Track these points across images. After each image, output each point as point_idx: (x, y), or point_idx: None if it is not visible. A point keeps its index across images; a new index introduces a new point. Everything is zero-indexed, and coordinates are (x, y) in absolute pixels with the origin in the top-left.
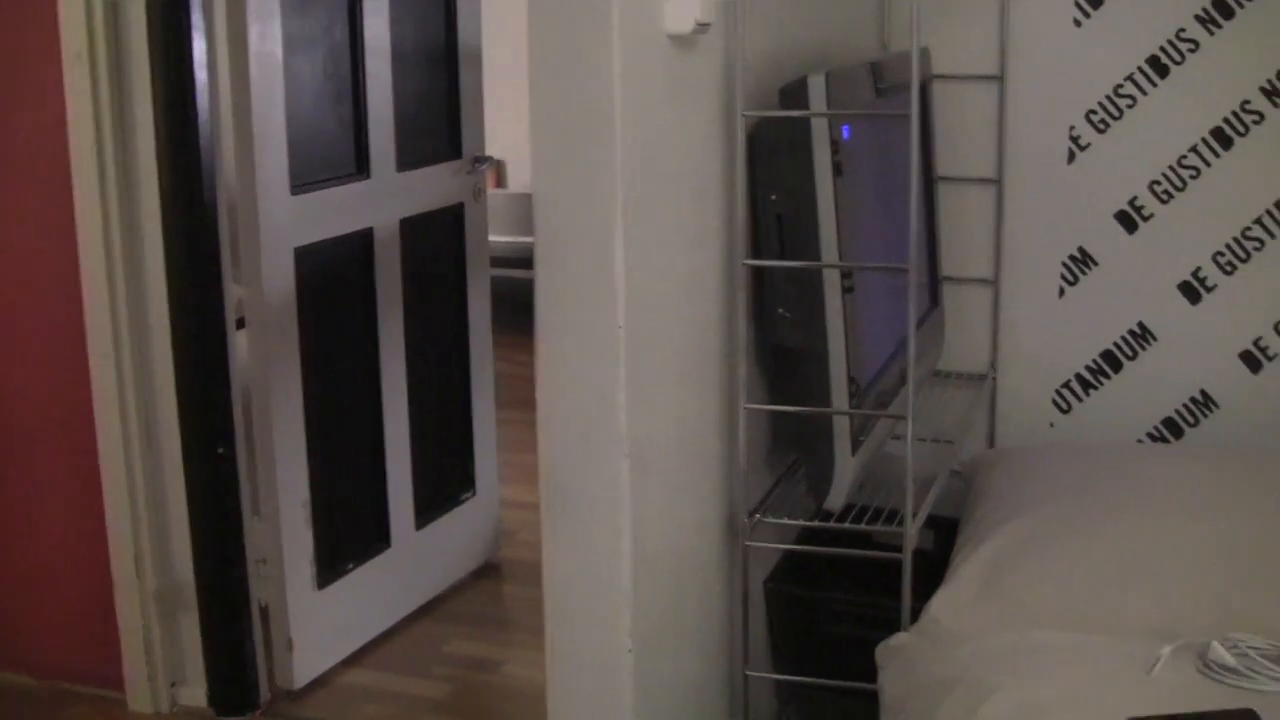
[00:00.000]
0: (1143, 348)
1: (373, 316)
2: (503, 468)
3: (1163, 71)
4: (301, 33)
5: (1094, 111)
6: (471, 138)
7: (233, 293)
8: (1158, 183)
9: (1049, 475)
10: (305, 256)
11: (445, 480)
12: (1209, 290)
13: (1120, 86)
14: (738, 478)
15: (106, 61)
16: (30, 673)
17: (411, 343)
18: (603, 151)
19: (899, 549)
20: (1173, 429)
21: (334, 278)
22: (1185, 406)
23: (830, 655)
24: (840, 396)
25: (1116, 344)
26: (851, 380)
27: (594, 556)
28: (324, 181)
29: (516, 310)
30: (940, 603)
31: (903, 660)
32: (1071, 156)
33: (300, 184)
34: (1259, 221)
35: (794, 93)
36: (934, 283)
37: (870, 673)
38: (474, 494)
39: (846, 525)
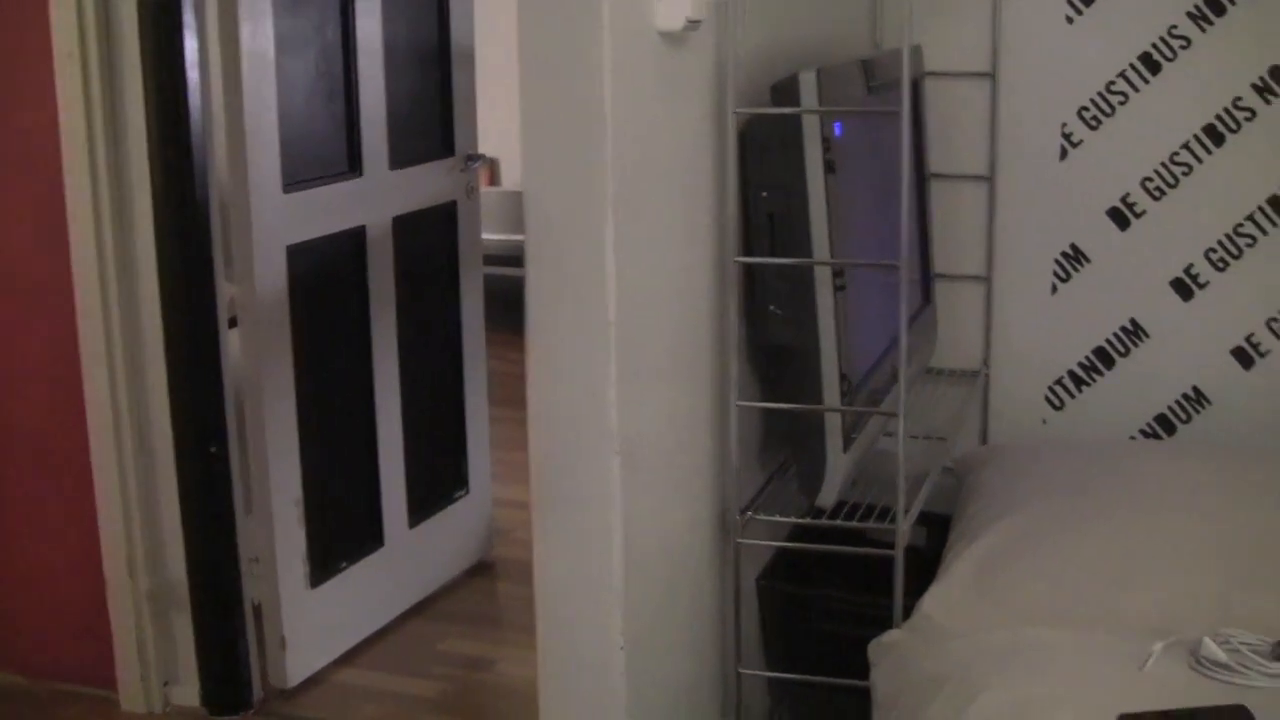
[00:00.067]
0: (1135, 344)
1: (365, 315)
2: (496, 466)
3: (1155, 68)
4: (293, 31)
5: (1086, 108)
6: (464, 136)
7: (225, 291)
8: (1150, 179)
9: (1041, 472)
10: (298, 255)
11: (438, 479)
12: (1201, 287)
13: (1112, 83)
14: (729, 475)
15: (98, 61)
16: (23, 673)
17: (404, 341)
18: (593, 148)
19: (891, 546)
20: (1165, 425)
21: (327, 276)
22: (1178, 403)
23: (823, 652)
24: (832, 394)
25: (1109, 341)
26: (843, 377)
27: (585, 554)
28: (316, 180)
29: (510, 308)
30: (932, 600)
31: (894, 657)
32: (1064, 153)
33: (292, 182)
34: (1251, 218)
35: (785, 89)
36: (926, 280)
37: (863, 670)
38: (467, 492)
39: (838, 522)
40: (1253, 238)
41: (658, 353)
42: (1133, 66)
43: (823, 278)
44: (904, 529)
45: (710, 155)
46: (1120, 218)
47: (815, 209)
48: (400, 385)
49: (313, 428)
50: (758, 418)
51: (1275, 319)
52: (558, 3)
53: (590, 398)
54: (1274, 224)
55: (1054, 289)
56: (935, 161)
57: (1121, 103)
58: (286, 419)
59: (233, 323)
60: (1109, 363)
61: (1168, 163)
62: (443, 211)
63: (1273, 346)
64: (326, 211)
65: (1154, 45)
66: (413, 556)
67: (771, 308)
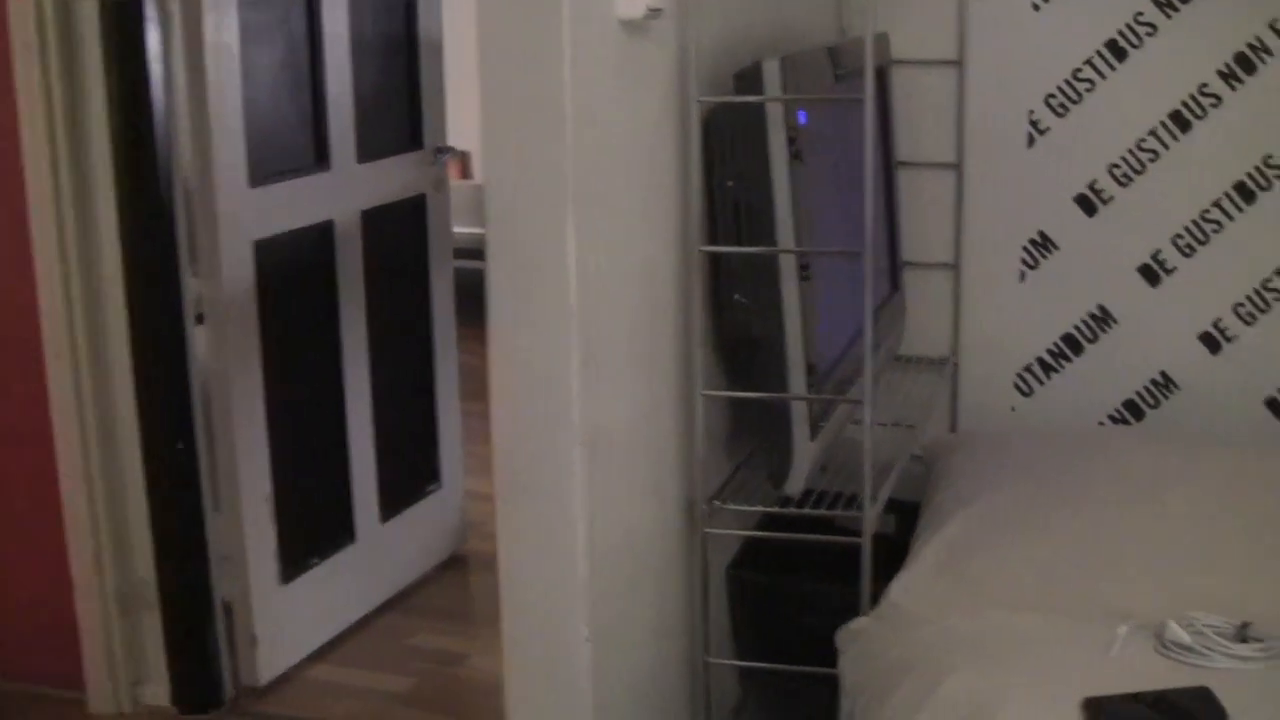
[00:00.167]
0: (1103, 330)
1: (334, 309)
2: (468, 460)
3: (1121, 55)
4: (258, 23)
5: (1053, 95)
6: (433, 128)
7: (191, 287)
8: (1117, 166)
9: (1009, 459)
10: (265, 249)
11: (410, 473)
12: (1168, 273)
13: (1079, 70)
14: (695, 464)
15: (57, 53)
16: None
17: (374, 335)
18: (553, 139)
19: (860, 534)
20: (1134, 411)
21: (295, 271)
22: (1146, 388)
23: (794, 641)
24: (798, 382)
25: (1077, 327)
26: (809, 366)
27: (549, 545)
28: (283, 173)
29: (481, 302)
30: (900, 587)
31: (862, 644)
32: (1031, 140)
33: (259, 176)
34: (1217, 204)
35: (749, 78)
36: (894, 268)
37: (833, 658)
38: (439, 486)
39: (805, 510)
40: (1219, 223)
41: (621, 343)
42: (1099, 54)
43: (787, 266)
44: (871, 517)
45: (674, 145)
46: (1088, 204)
47: (780, 198)
48: (370, 380)
49: (282, 423)
50: (724, 407)
51: (1242, 304)
52: None
53: (552, 389)
54: (1240, 210)
55: (1022, 276)
56: (903, 150)
57: (1088, 90)
58: (255, 415)
59: (200, 319)
60: (1077, 349)
61: (1135, 149)
62: (412, 205)
63: (1240, 332)
64: (294, 205)
65: (1120, 32)
66: (385, 551)
67: (737, 297)
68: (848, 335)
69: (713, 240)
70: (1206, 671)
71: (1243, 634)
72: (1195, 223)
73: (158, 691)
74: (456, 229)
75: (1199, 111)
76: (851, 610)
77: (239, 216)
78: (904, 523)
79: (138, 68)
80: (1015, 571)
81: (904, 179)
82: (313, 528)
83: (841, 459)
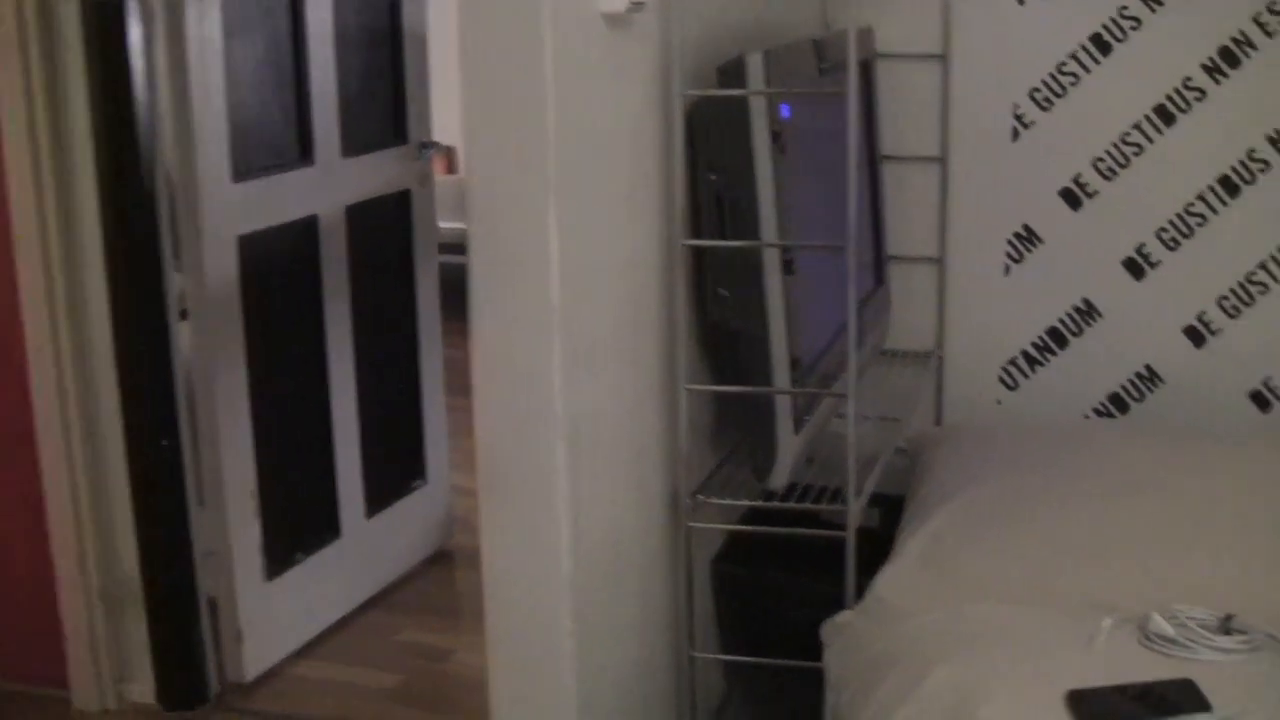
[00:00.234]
0: (1088, 324)
1: (319, 305)
2: (453, 455)
3: (1105, 49)
4: (241, 17)
5: (1038, 89)
6: (417, 123)
7: (175, 282)
8: (1101, 160)
9: (994, 452)
10: (249, 245)
11: (396, 468)
12: (1153, 266)
13: (1063, 64)
14: (679, 458)
15: (38, 47)
16: None
17: (359, 330)
18: (535, 133)
19: (844, 528)
20: (1118, 404)
21: (279, 266)
22: (1131, 382)
23: (779, 635)
24: (781, 376)
25: (1062, 320)
26: (793, 360)
27: (533, 540)
28: (267, 168)
29: (466, 296)
30: (884, 580)
31: (847, 638)
32: (1016, 134)
33: (243, 171)
34: (1201, 198)
35: (732, 71)
36: (879, 262)
37: (818, 652)
38: (425, 482)
39: (789, 504)
40: (1203, 217)
41: (604, 337)
42: (1084, 47)
43: (771, 260)
44: (855, 510)
45: (657, 138)
46: (1072, 198)
47: (763, 191)
48: (356, 375)
49: (267, 419)
50: (708, 401)
51: (1226, 297)
52: None
53: (535, 383)
54: (1224, 203)
55: (1007, 270)
56: (887, 143)
57: (1073, 83)
58: (239, 411)
59: (184, 314)
60: (1062, 342)
61: (1119, 143)
62: (396, 200)
63: (1224, 325)
64: (278, 201)
65: (1104, 26)
66: (370, 547)
67: (720, 291)
68: (832, 329)
69: (696, 234)
70: (1190, 663)
71: (1226, 626)
72: (1179, 216)
73: (143, 689)
74: (442, 224)
75: (1183, 105)
76: (836, 604)
77: (223, 211)
78: (889, 516)
79: (120, 62)
80: (1000, 565)
81: (889, 173)
82: (298, 523)
83: (826, 453)
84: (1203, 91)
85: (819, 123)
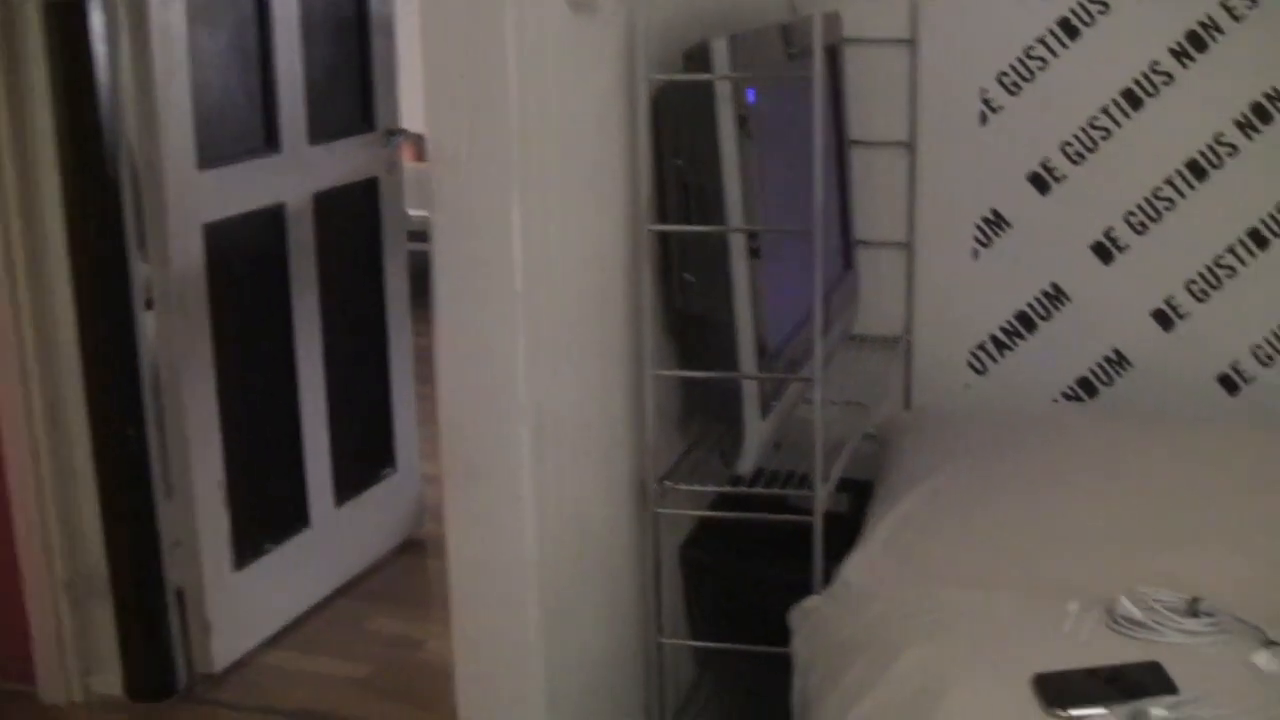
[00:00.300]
0: (1057, 308)
1: (286, 293)
2: (423, 443)
3: (1073, 33)
4: (206, 3)
5: (1005, 74)
6: (385, 110)
7: (140, 272)
8: (1069, 144)
9: (962, 436)
10: (215, 233)
11: (365, 457)
12: (1121, 250)
13: (1031, 48)
14: (646, 445)
15: None
16: None
17: (328, 319)
18: (498, 119)
19: (811, 513)
20: (1087, 388)
21: (246, 254)
22: (1099, 366)
23: (748, 620)
24: (748, 361)
25: (1030, 305)
26: (760, 344)
27: (498, 528)
28: (233, 156)
29: None
30: (852, 565)
31: (815, 623)
32: (984, 119)
33: (208, 159)
34: (1169, 181)
35: (697, 56)
36: (847, 247)
37: (788, 637)
38: (394, 470)
39: (756, 490)
40: (1171, 201)
41: (570, 323)
42: (1051, 32)
43: (737, 245)
44: (822, 495)
45: (623, 124)
46: (1040, 183)
47: (728, 176)
48: (324, 364)
49: (235, 408)
50: (675, 386)
51: (1194, 281)
52: None
53: (499, 369)
54: (1192, 187)
55: (975, 254)
56: (856, 128)
57: (1041, 68)
58: (206, 400)
59: (149, 304)
60: (1031, 327)
61: (1087, 127)
62: (364, 188)
63: (1192, 309)
64: (244, 188)
65: (1072, 10)
66: (340, 536)
67: (686, 276)
68: (800, 314)
69: (662, 219)
70: (1158, 646)
71: (1194, 609)
72: (1148, 200)
73: (110, 681)
74: (411, 212)
75: (1151, 90)
76: (805, 589)
77: (188, 200)
78: (858, 502)
79: (82, 49)
80: (968, 549)
81: (857, 158)
82: (266, 513)
83: (794, 438)
84: (1170, 76)
85: (786, 108)
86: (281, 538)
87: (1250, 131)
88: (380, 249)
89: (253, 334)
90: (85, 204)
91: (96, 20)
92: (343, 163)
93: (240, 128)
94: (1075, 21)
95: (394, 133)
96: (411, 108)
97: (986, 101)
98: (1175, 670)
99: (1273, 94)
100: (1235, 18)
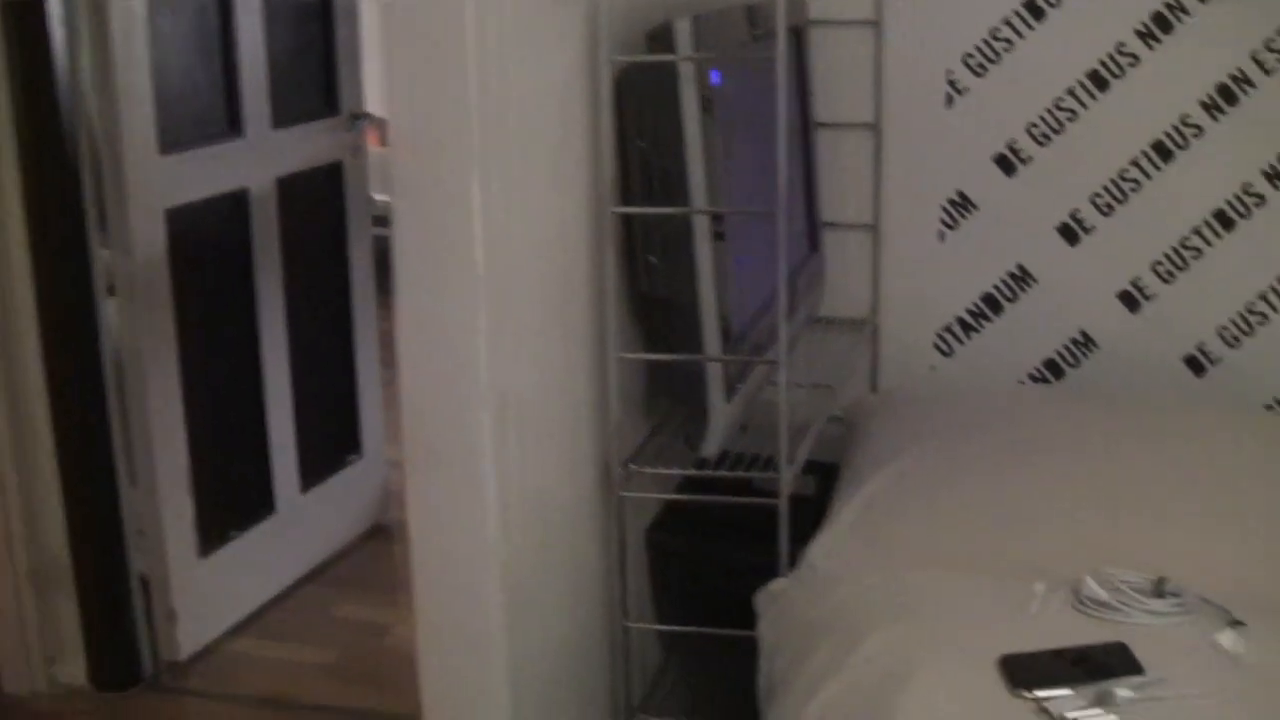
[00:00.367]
0: (1023, 290)
1: (250, 279)
2: (389, 429)
3: (1039, 14)
4: None
5: (971, 55)
6: (349, 94)
7: (101, 258)
8: (1035, 126)
9: (928, 418)
10: (177, 218)
11: (331, 443)
12: (1087, 232)
13: (997, 30)
14: (611, 428)
15: None
16: None
17: (292, 305)
18: (458, 100)
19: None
20: (1054, 370)
21: (209, 240)
22: (1066, 347)
23: (715, 604)
24: (712, 343)
25: (997, 286)
26: (724, 327)
27: (460, 511)
28: (195, 140)
29: None
30: (818, 548)
31: (780, 606)
32: (950, 100)
33: (170, 143)
34: (1135, 163)
35: (660, 37)
36: (813, 229)
37: (754, 620)
38: (360, 456)
39: (722, 473)
40: (1137, 182)
41: (532, 306)
42: (1017, 13)
43: (700, 227)
44: (787, 478)
45: (585, 105)
46: (1006, 164)
47: (692, 158)
48: (289, 349)
49: (199, 394)
50: (640, 369)
51: (1160, 263)
52: None
53: (460, 354)
54: (1157, 168)
55: (942, 236)
56: (821, 110)
57: (1007, 49)
58: (170, 387)
59: (111, 290)
60: (997, 309)
61: (1052, 109)
62: (329, 172)
63: (1158, 290)
64: (206, 173)
65: None
66: (306, 522)
67: (650, 258)
68: (765, 296)
69: (626, 201)
70: (1123, 627)
71: (1159, 589)
72: (1114, 182)
73: (74, 670)
74: (376, 196)
75: (1117, 71)
76: (770, 572)
77: (149, 185)
78: (824, 484)
79: (40, 32)
80: (933, 531)
81: (823, 140)
82: (231, 500)
83: (760, 420)
84: (1136, 57)
85: (750, 89)
86: (247, 525)
87: (1216, 113)
88: (345, 234)
89: (217, 320)
90: (45, 189)
91: (55, 2)
92: (306, 147)
93: (202, 112)
94: (1041, 3)
95: (358, 116)
96: (376, 91)
97: (952, 83)
98: (1141, 651)
99: (1238, 75)
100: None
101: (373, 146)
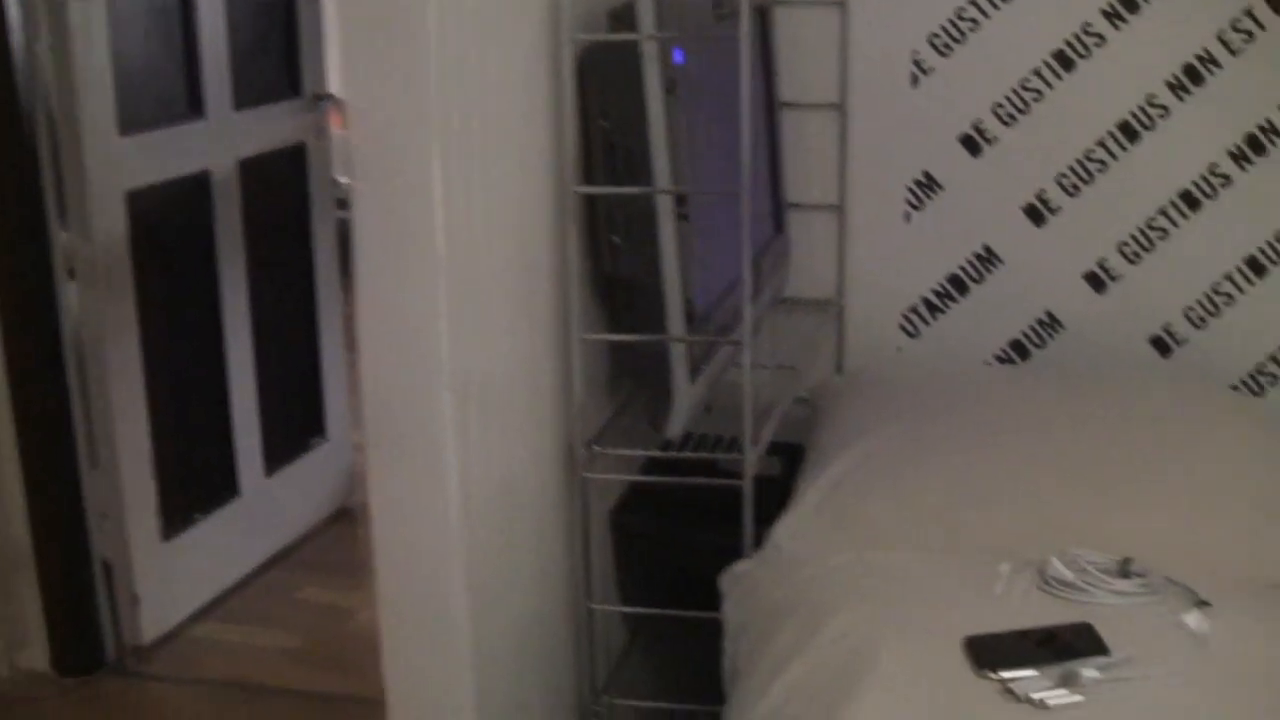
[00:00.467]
0: (989, 270)
1: (213, 261)
2: (354, 412)
3: None
4: None
5: (936, 35)
6: (312, 75)
7: (61, 241)
8: (1001, 106)
9: (894, 399)
10: (138, 201)
11: (295, 426)
12: (1053, 212)
13: (962, 10)
14: (574, 409)
15: None
16: None
17: (255, 287)
18: (418, 79)
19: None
20: (1019, 350)
21: (170, 222)
22: (1032, 328)
23: (680, 585)
24: (676, 324)
25: (963, 267)
26: (688, 307)
27: (421, 494)
28: (156, 122)
29: None
30: (783, 529)
31: (745, 587)
32: (915, 80)
33: (130, 124)
34: (1101, 143)
35: (622, 16)
36: (778, 209)
37: (719, 602)
38: (325, 439)
39: (686, 454)
40: (1103, 163)
41: (494, 287)
42: None
43: (664, 207)
44: (751, 459)
45: (547, 84)
46: (972, 144)
47: (655, 138)
48: (252, 332)
49: (161, 378)
50: (604, 351)
51: (1126, 243)
52: None
53: (421, 335)
54: (1124, 149)
55: (907, 217)
56: (786, 90)
57: (972, 29)
58: (132, 370)
59: (72, 273)
60: (963, 289)
61: (1018, 89)
62: (291, 154)
63: (1124, 271)
64: (167, 155)
65: None
66: (270, 506)
67: (614, 239)
68: (730, 277)
69: (589, 181)
70: (1089, 607)
71: (1125, 570)
72: (1079, 162)
73: (36, 655)
74: (339, 179)
75: (1083, 51)
76: (735, 553)
77: (109, 166)
78: (790, 465)
79: None
80: (899, 511)
81: (788, 120)
82: (195, 483)
83: (724, 402)
84: (1102, 37)
85: (714, 69)
86: (211, 508)
87: (1181, 93)
88: (309, 216)
89: (179, 303)
90: (2, 172)
91: None
92: (269, 128)
93: (163, 92)
94: None
95: (321, 98)
96: (339, 72)
97: (918, 63)
98: (1106, 631)
99: (1204, 55)
100: None
101: (336, 128)
